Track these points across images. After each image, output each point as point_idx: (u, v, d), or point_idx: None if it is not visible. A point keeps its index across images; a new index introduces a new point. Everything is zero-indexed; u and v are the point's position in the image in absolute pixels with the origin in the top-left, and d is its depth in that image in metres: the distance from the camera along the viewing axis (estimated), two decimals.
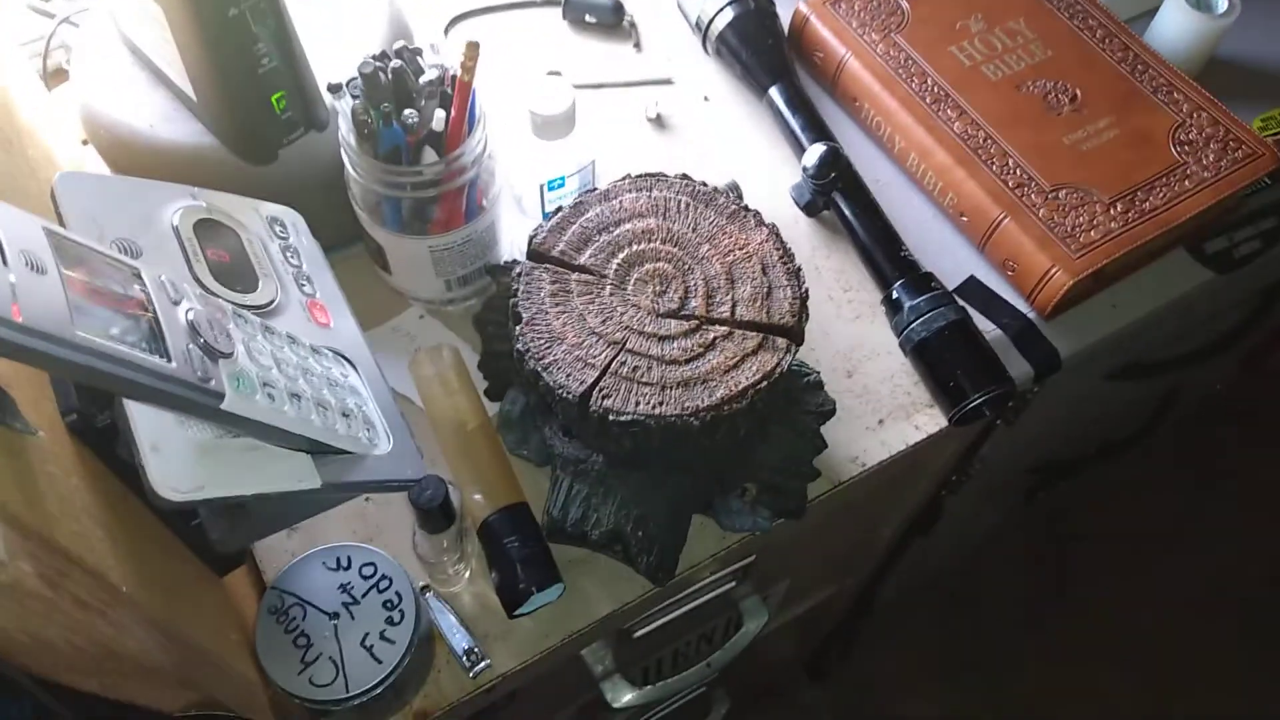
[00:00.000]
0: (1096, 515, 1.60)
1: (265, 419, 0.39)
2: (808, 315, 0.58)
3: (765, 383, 0.54)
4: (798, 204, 0.78)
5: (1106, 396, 1.00)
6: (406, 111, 0.60)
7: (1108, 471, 1.25)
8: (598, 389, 0.53)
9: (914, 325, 0.70)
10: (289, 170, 0.67)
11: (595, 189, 0.61)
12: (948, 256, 0.77)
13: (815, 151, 0.75)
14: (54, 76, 0.81)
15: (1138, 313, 0.76)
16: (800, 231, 0.78)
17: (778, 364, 0.54)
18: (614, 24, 0.87)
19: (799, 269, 0.58)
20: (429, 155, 0.61)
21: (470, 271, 0.70)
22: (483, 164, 0.64)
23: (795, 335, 0.56)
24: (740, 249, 0.58)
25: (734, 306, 0.56)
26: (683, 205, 0.60)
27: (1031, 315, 0.74)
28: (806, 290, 0.57)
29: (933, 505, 0.96)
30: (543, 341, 0.54)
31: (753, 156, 0.81)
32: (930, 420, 0.70)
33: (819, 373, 0.65)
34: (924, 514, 0.97)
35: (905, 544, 1.05)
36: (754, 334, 0.55)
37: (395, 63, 0.61)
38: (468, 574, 0.62)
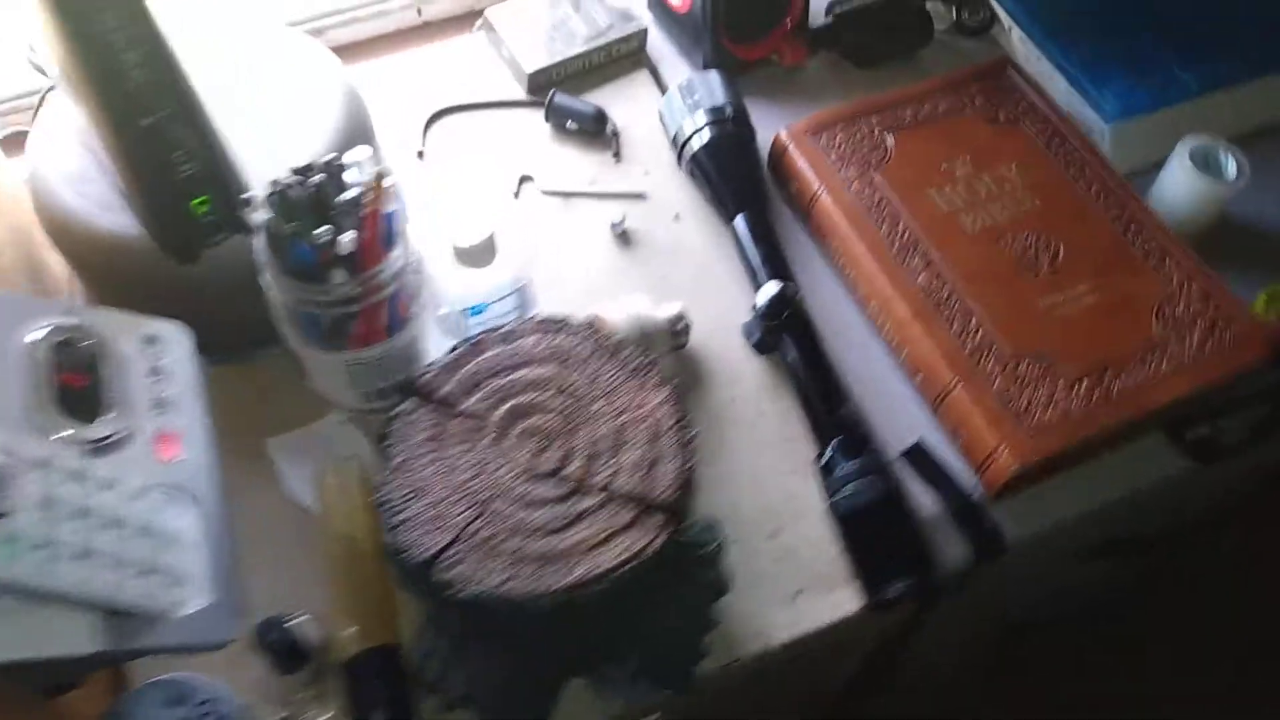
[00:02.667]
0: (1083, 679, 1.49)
1: (30, 581, 0.37)
2: (693, 492, 0.54)
3: (629, 566, 0.50)
4: (748, 341, 0.74)
5: (1083, 572, 0.93)
6: (318, 230, 0.58)
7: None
8: (446, 555, 0.50)
9: (842, 493, 0.66)
10: (214, 270, 0.66)
11: (498, 329, 0.58)
12: (901, 415, 0.72)
13: (767, 290, 0.72)
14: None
15: (1103, 498, 0.71)
16: (750, 369, 0.74)
17: (648, 545, 0.51)
18: (595, 131, 0.85)
19: (692, 439, 0.55)
20: (338, 275, 0.60)
21: (390, 385, 0.68)
22: (405, 280, 0.62)
23: (675, 513, 0.52)
24: (635, 410, 0.55)
25: (615, 475, 0.53)
26: (585, 355, 0.57)
27: (979, 491, 0.69)
28: (694, 465, 0.54)
29: (884, 660, 0.91)
30: (405, 494, 0.52)
31: (713, 284, 0.78)
32: (851, 598, 0.65)
33: (719, 543, 0.61)
34: (875, 670, 0.91)
35: (863, 698, 0.99)
36: (629, 508, 0.52)
37: (317, 177, 0.60)
38: (329, 715, 0.60)
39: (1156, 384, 0.68)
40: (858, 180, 0.77)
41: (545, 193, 0.83)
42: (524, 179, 0.83)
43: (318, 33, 1.00)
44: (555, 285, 0.77)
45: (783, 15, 0.87)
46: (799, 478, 0.70)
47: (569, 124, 0.85)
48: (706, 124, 0.79)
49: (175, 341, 0.54)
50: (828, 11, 0.90)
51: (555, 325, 0.58)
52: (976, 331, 0.70)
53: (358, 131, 0.73)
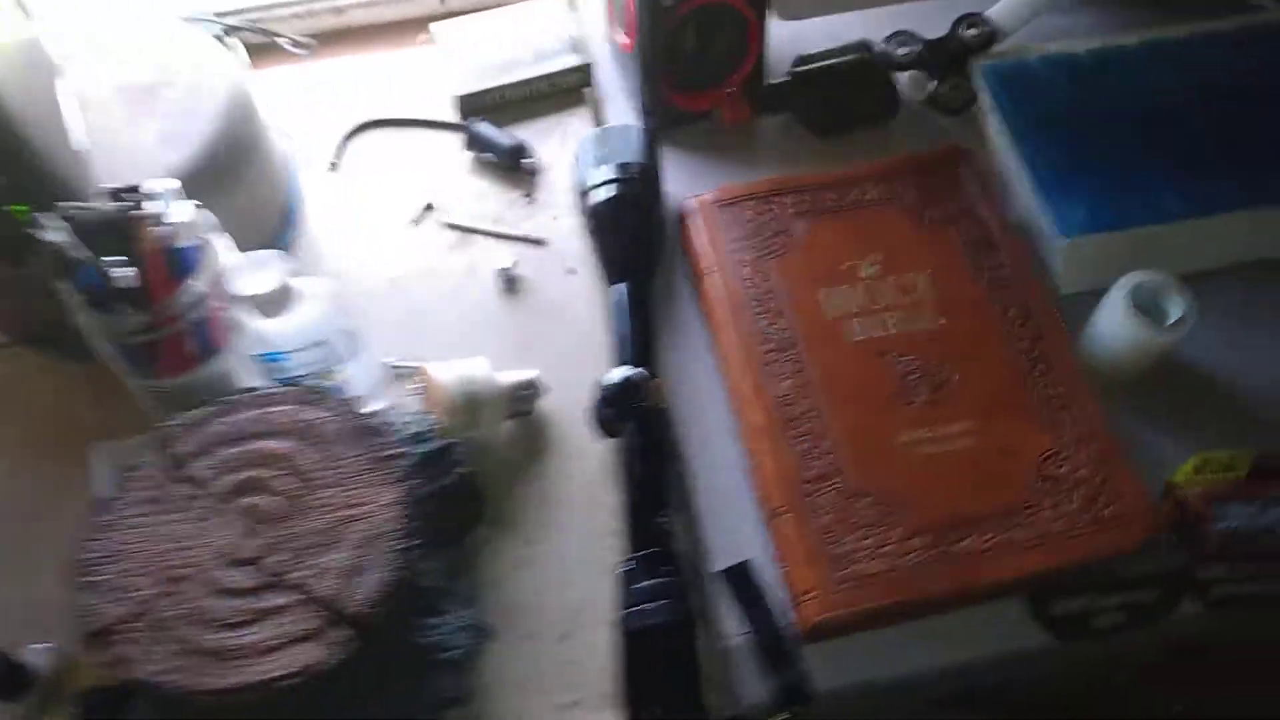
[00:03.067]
0: None
1: None
2: (388, 610, 0.50)
3: (297, 679, 0.47)
4: (592, 421, 0.70)
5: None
6: (107, 259, 0.57)
7: None
8: (118, 630, 0.48)
9: (632, 610, 0.61)
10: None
11: (256, 391, 0.56)
12: (740, 527, 0.67)
13: (613, 375, 0.67)
14: None
15: (946, 659, 0.64)
16: (596, 450, 0.70)
17: (322, 661, 0.48)
18: (513, 166, 0.81)
19: (406, 551, 0.51)
20: (122, 306, 0.58)
21: None
22: (214, 311, 0.61)
23: (365, 629, 0.49)
24: (358, 506, 0.52)
25: (315, 575, 0.50)
26: (333, 434, 0.54)
27: (792, 630, 0.63)
28: (397, 582, 0.50)
29: None
30: (103, 555, 0.50)
31: (588, 349, 0.73)
32: None
33: (464, 649, 0.57)
34: None
35: None
36: (317, 615, 0.49)
37: (115, 205, 0.58)
38: None
39: (1009, 554, 0.61)
40: (752, 265, 0.71)
41: (445, 224, 0.80)
42: (428, 207, 0.80)
43: (338, 11, 0.99)
44: (425, 325, 0.74)
45: (732, 69, 0.80)
46: (607, 581, 0.65)
47: (487, 155, 0.82)
48: (608, 180, 0.74)
49: None
50: (790, 69, 0.83)
51: (314, 397, 0.55)
52: (824, 455, 0.64)
53: (240, 141, 0.72)
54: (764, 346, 0.68)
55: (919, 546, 0.60)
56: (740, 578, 0.65)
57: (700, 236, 0.73)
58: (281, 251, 0.58)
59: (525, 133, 0.84)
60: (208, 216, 0.60)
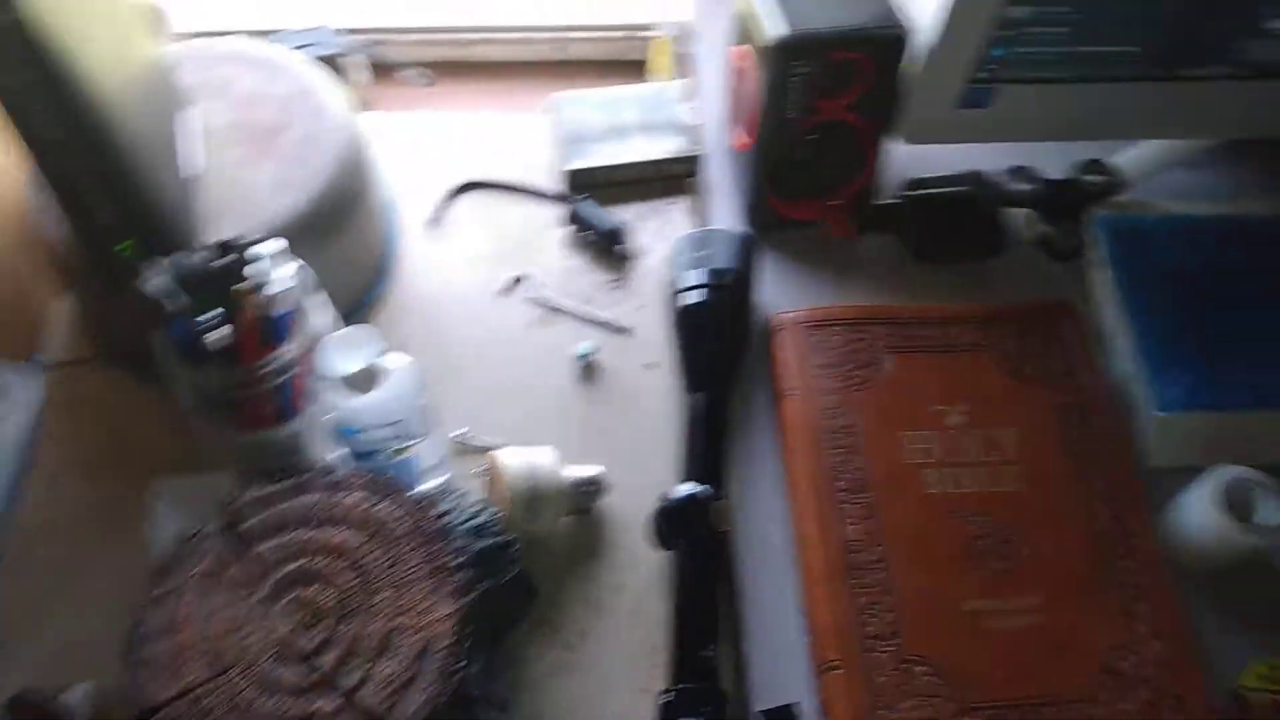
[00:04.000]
0: None
1: None
2: None
3: None
4: (650, 530, 0.69)
5: None
6: (204, 315, 0.58)
7: None
8: (162, 712, 0.48)
9: None
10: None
11: (329, 473, 0.56)
12: (790, 670, 0.65)
13: (677, 491, 0.66)
14: None
15: None
16: (651, 559, 0.69)
17: None
18: (607, 248, 0.81)
19: (458, 671, 0.50)
20: (212, 364, 0.59)
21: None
22: (301, 372, 0.61)
23: None
24: (414, 614, 0.51)
25: (363, 682, 0.49)
26: (399, 533, 0.54)
27: None
28: (450, 698, 0.50)
29: None
30: (160, 626, 0.50)
31: (658, 450, 0.73)
32: None
33: None
34: None
35: None
36: None
37: (221, 261, 0.59)
38: None
39: None
40: (835, 393, 0.70)
41: (530, 299, 0.79)
42: (518, 279, 0.80)
43: (459, 44, 1.01)
44: (501, 401, 0.74)
45: (843, 184, 0.79)
46: (644, 700, 0.64)
47: (587, 234, 0.81)
48: (699, 285, 0.73)
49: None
50: (901, 191, 0.82)
51: (386, 489, 0.55)
52: (885, 614, 0.62)
53: (349, 190, 0.72)
54: (836, 484, 0.66)
55: None
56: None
57: (785, 356, 0.72)
58: (371, 328, 0.58)
59: (625, 214, 0.83)
60: (307, 276, 0.61)
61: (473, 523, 0.61)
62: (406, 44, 1.11)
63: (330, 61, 1.00)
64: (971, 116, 0.74)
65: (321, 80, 0.74)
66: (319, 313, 0.63)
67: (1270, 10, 0.68)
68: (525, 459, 0.66)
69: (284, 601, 0.51)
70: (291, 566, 0.52)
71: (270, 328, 0.58)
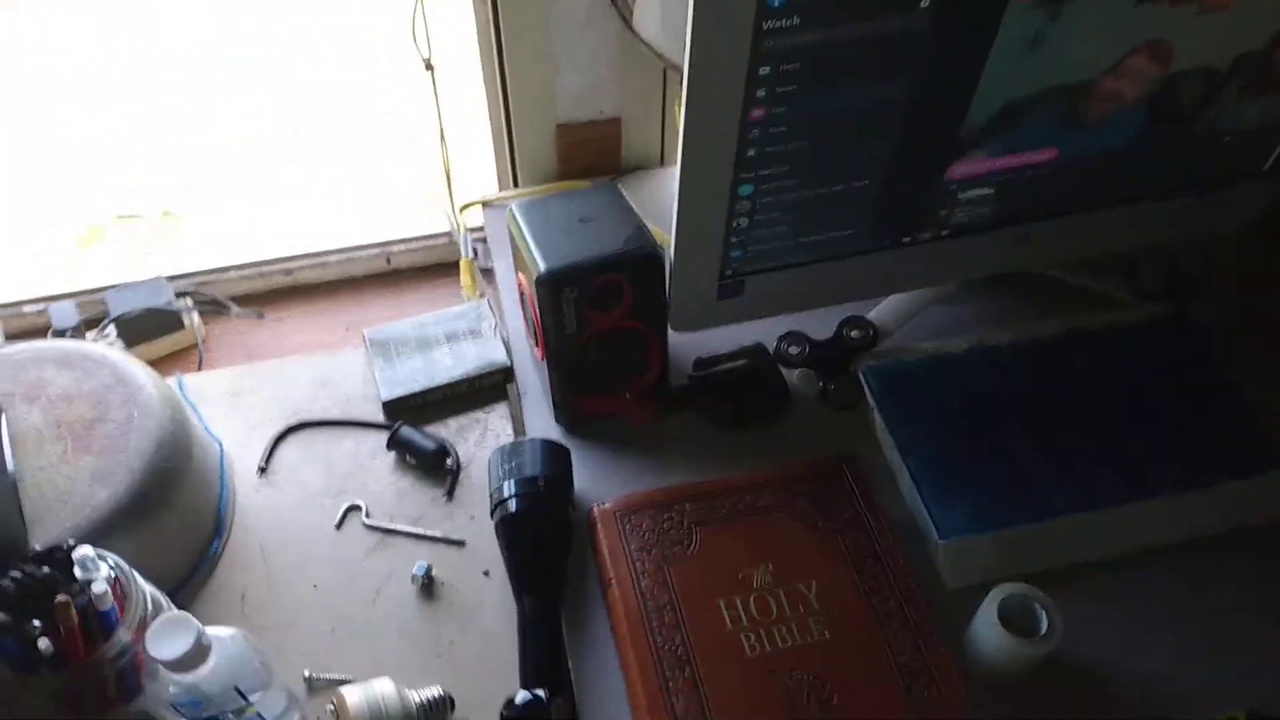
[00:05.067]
0: None
1: None
2: None
3: None
4: None
5: None
6: (29, 625, 0.61)
7: None
8: None
9: None
10: None
11: None
12: None
13: (516, 696, 0.70)
14: None
15: None
16: None
17: None
18: (433, 466, 0.87)
19: None
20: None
21: None
22: (129, 659, 0.64)
23: None
24: None
25: None
26: None
27: None
28: None
29: None
30: None
31: (497, 659, 0.77)
32: None
33: None
34: None
35: None
36: None
37: (43, 570, 0.62)
38: None
39: None
40: (651, 575, 0.76)
41: (367, 525, 0.84)
42: (351, 509, 0.85)
43: (288, 272, 1.10)
44: (346, 633, 0.77)
45: (637, 376, 0.87)
46: None
47: (410, 456, 0.87)
48: (514, 495, 0.79)
49: None
50: (691, 372, 0.90)
51: None
52: None
53: (172, 464, 0.76)
54: (662, 663, 0.72)
55: None
56: None
57: (603, 546, 0.78)
58: (185, 615, 0.62)
59: (447, 429, 0.90)
60: (124, 566, 0.65)
61: None
62: (232, 280, 1.17)
63: (163, 313, 1.06)
64: (731, 304, 0.84)
65: (135, 367, 0.79)
66: (147, 591, 0.66)
67: (959, 185, 0.80)
68: (365, 692, 0.69)
69: None
70: None
71: (98, 623, 0.61)
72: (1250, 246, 1.00)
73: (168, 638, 0.61)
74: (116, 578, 0.64)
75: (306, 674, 0.76)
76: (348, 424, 0.90)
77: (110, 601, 0.62)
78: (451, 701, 0.73)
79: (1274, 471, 0.82)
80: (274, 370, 0.95)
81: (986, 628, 0.73)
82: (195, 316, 1.11)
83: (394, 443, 0.87)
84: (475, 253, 1.05)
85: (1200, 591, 0.80)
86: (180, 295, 1.14)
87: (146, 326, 1.08)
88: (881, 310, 0.94)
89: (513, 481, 0.79)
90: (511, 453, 0.81)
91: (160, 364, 1.06)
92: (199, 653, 0.62)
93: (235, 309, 1.16)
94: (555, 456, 0.82)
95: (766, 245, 0.80)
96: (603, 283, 0.78)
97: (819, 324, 0.93)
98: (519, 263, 0.83)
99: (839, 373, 0.91)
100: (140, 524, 0.73)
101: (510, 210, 0.83)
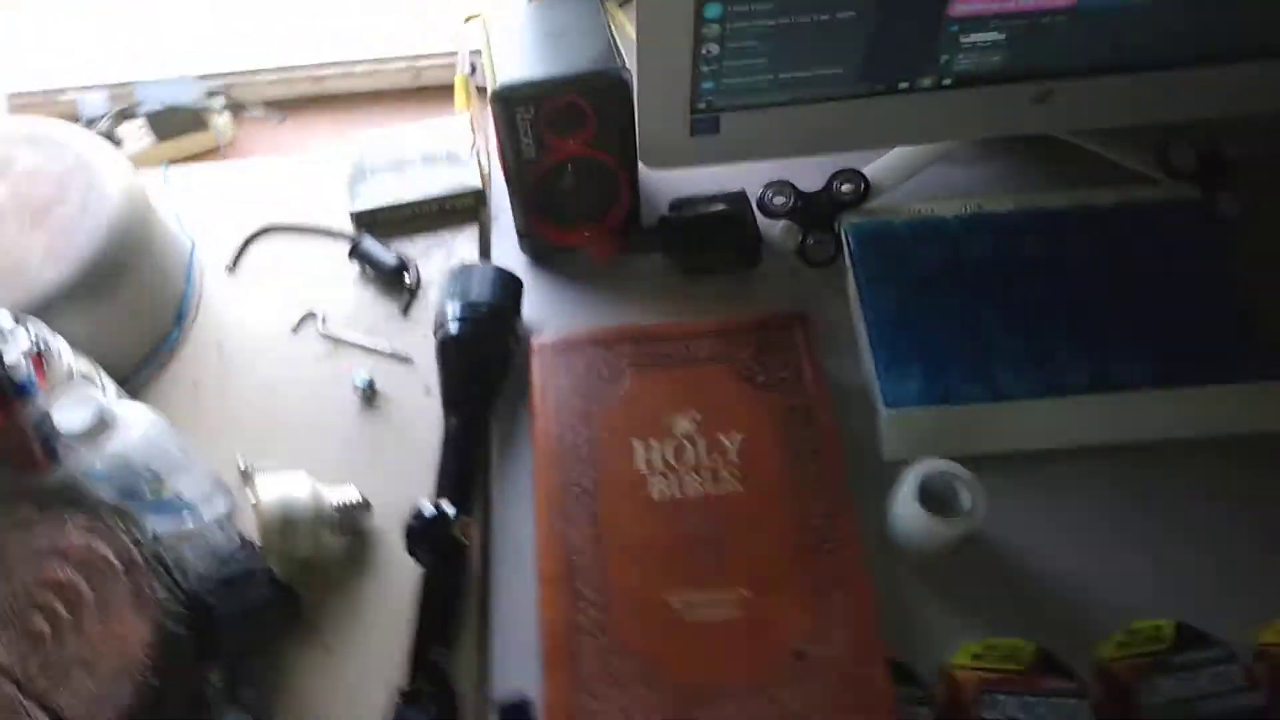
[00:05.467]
0: None
1: None
2: None
3: None
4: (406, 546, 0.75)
5: None
6: None
7: None
8: None
9: None
10: None
11: (57, 513, 0.62)
12: (524, 665, 0.70)
13: (421, 507, 0.71)
14: None
15: None
16: (415, 573, 0.74)
17: None
18: (393, 283, 0.87)
19: (152, 683, 0.57)
20: None
21: None
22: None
23: None
24: (118, 640, 0.58)
25: (71, 700, 0.56)
26: (111, 566, 0.60)
27: None
28: (192, 704, 0.56)
29: None
30: None
31: (426, 472, 0.78)
32: None
33: None
34: None
35: None
36: None
37: None
38: None
39: None
40: (577, 411, 0.76)
41: (322, 333, 0.86)
42: (309, 315, 0.86)
43: (316, 80, 1.10)
44: (289, 433, 0.80)
45: (605, 211, 0.85)
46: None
47: (371, 270, 0.87)
48: (455, 318, 0.78)
49: None
50: (664, 212, 0.87)
51: (104, 526, 0.61)
52: (599, 610, 0.68)
53: (128, 251, 0.79)
54: (568, 496, 0.72)
55: (662, 711, 0.64)
56: (517, 713, 0.69)
57: (537, 379, 0.77)
58: (86, 389, 0.64)
59: (413, 247, 0.89)
60: (56, 343, 0.67)
61: (218, 552, 0.67)
62: (261, 84, 1.17)
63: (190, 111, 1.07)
64: (706, 142, 0.79)
65: (103, 154, 0.80)
66: (74, 366, 0.69)
67: (962, 27, 0.72)
68: (279, 488, 0.72)
69: (11, 632, 0.58)
70: (22, 599, 0.59)
71: (14, 389, 0.65)
72: None
73: (70, 410, 0.64)
74: (39, 350, 0.67)
75: (242, 465, 0.78)
76: (317, 231, 0.90)
77: (24, 371, 0.64)
78: (368, 504, 0.75)
79: (1256, 382, 0.75)
80: (256, 170, 0.95)
81: (905, 502, 0.70)
82: (223, 117, 1.11)
83: (355, 254, 0.87)
84: (473, 69, 1.02)
85: (1153, 497, 0.75)
86: (211, 95, 1.14)
87: (174, 123, 1.09)
88: (879, 166, 0.88)
89: (457, 304, 0.79)
90: (461, 275, 0.81)
91: (185, 163, 1.07)
92: (100, 427, 0.65)
93: (260, 112, 1.16)
94: (505, 284, 0.81)
95: (743, 79, 0.75)
96: (562, 105, 0.75)
97: (813, 176, 0.87)
98: (488, 78, 0.80)
99: (821, 228, 0.86)
100: (88, 307, 0.75)
101: (483, 20, 0.79)
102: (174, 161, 1.03)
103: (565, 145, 0.78)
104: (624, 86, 0.75)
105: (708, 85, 0.75)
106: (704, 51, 0.72)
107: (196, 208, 0.92)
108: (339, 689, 0.70)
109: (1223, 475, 0.75)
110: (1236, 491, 0.75)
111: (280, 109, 1.15)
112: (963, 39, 0.74)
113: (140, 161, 0.92)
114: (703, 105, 0.76)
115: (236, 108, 1.14)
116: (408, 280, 0.86)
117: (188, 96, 1.10)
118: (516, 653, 0.71)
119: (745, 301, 0.86)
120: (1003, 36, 0.74)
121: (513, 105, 0.74)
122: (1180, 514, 0.74)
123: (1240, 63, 0.77)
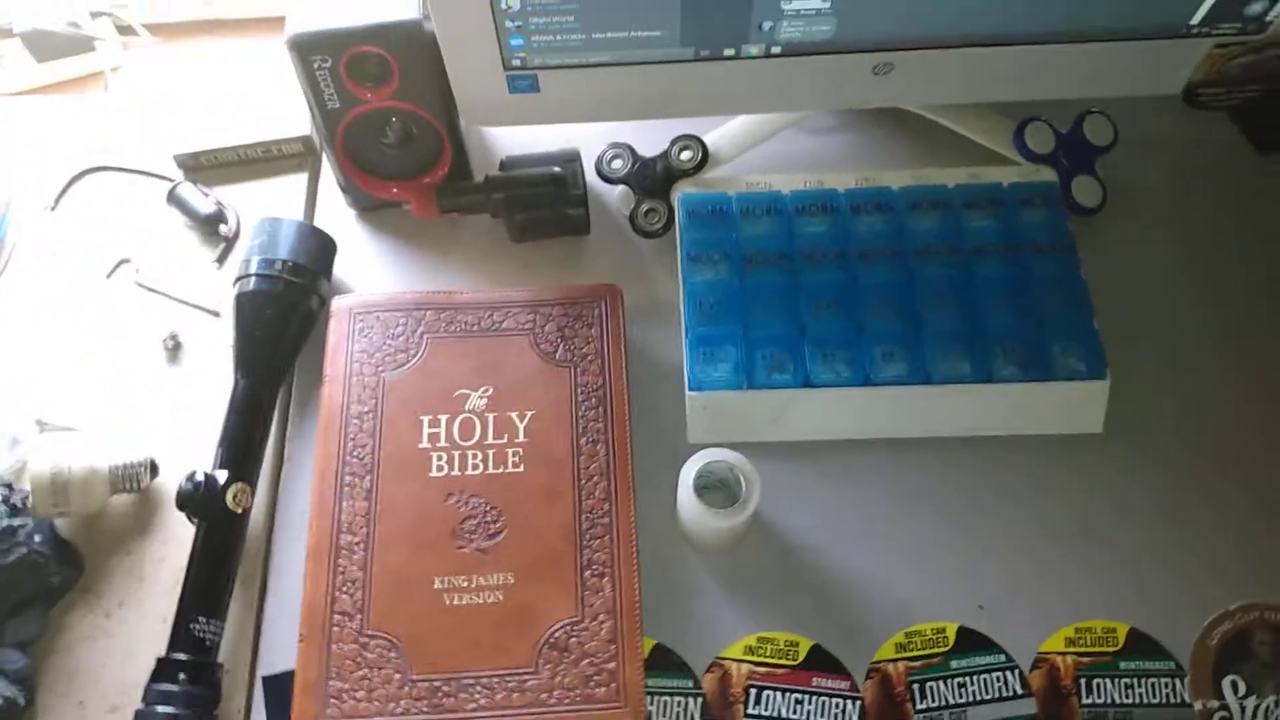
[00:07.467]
0: None
1: None
2: None
3: None
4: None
5: None
6: None
7: None
8: None
9: (147, 706, 0.65)
10: None
11: None
12: (290, 638, 0.69)
13: (193, 472, 0.70)
14: None
15: None
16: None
17: None
18: (211, 231, 0.84)
19: None
20: None
21: None
22: None
23: None
24: None
25: None
26: None
27: None
28: None
29: None
30: None
31: (216, 437, 0.76)
32: None
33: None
34: None
35: None
36: None
37: None
38: None
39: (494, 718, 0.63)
40: (365, 380, 0.73)
41: (135, 281, 0.83)
42: (122, 262, 0.83)
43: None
44: (90, 385, 0.78)
45: (428, 166, 0.81)
46: None
47: (187, 217, 0.84)
48: (253, 274, 0.76)
49: None
50: (492, 171, 0.83)
51: None
52: (357, 590, 0.66)
53: None
54: (344, 468, 0.70)
55: (409, 697, 0.63)
56: (279, 688, 0.68)
57: (330, 341, 0.75)
58: None
59: (237, 194, 0.86)
60: None
61: None
62: (150, 4, 1.11)
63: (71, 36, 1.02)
64: (525, 100, 0.75)
65: None
66: None
67: None
68: (52, 447, 0.70)
69: None
70: None
71: None
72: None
73: None
74: None
75: (37, 419, 0.76)
76: (139, 173, 0.87)
77: None
78: (154, 465, 0.74)
79: (1069, 382, 0.72)
80: (85, 106, 0.91)
81: (683, 493, 0.68)
82: (107, 40, 1.06)
83: (172, 198, 0.84)
84: None
85: (961, 494, 0.73)
86: (95, 16, 1.09)
87: (56, 44, 1.04)
88: (721, 134, 0.84)
89: (257, 259, 0.76)
90: (266, 228, 0.77)
91: (67, 86, 1.02)
92: None
93: (146, 35, 1.11)
94: (312, 241, 0.78)
95: (552, 36, 0.70)
96: (359, 55, 0.71)
97: (660, 140, 0.83)
98: None
99: (656, 197, 0.83)
100: None
101: None
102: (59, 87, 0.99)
103: (372, 95, 0.74)
104: (427, 37, 0.71)
105: (516, 41, 0.70)
106: (502, 5, 0.67)
107: (34, 143, 0.88)
108: (113, 652, 0.70)
109: (1029, 473, 0.73)
110: (1042, 493, 0.73)
111: (168, 34, 1.10)
112: (784, 5, 0.69)
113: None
114: (516, 63, 0.72)
115: (124, 30, 1.09)
116: (224, 230, 0.83)
117: (69, 16, 1.06)
118: (288, 627, 0.70)
119: (575, 271, 0.83)
120: (827, 5, 0.69)
121: (307, 54, 0.70)
122: (981, 514, 0.73)
123: (1089, 44, 0.73)
